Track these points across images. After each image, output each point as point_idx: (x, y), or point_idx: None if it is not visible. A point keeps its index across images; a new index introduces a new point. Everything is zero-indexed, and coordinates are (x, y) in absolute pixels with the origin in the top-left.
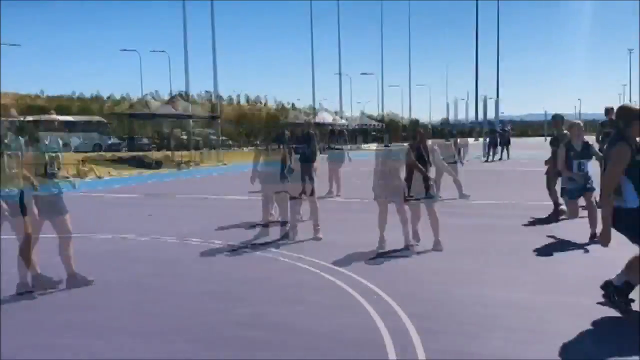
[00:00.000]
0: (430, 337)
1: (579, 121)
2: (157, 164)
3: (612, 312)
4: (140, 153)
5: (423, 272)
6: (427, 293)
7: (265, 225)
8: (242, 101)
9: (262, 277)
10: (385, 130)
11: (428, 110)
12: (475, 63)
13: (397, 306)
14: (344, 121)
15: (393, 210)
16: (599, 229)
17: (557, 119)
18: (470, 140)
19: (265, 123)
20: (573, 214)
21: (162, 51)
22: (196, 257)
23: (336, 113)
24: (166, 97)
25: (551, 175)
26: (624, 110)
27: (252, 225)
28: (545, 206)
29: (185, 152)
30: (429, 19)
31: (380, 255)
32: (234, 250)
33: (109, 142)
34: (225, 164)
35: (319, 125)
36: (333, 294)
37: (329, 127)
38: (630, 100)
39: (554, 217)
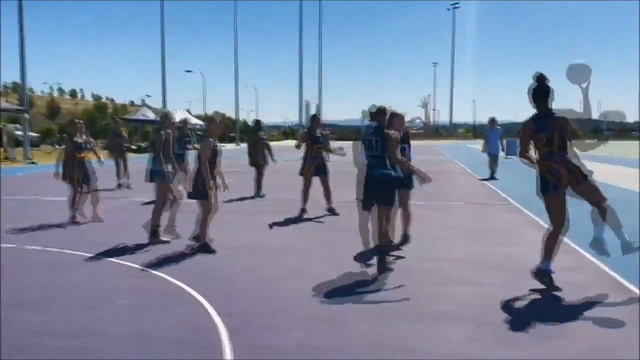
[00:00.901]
0: (239, 335)
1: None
2: None
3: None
4: None
5: (237, 270)
6: (241, 291)
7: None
8: (59, 94)
9: (70, 281)
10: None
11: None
12: (299, 67)
13: (209, 306)
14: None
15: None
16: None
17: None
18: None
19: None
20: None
21: None
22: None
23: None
24: None
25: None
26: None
27: (67, 227)
28: (346, 204)
29: None
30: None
31: (198, 255)
32: (44, 254)
33: None
34: (35, 163)
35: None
36: (145, 296)
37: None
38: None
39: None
